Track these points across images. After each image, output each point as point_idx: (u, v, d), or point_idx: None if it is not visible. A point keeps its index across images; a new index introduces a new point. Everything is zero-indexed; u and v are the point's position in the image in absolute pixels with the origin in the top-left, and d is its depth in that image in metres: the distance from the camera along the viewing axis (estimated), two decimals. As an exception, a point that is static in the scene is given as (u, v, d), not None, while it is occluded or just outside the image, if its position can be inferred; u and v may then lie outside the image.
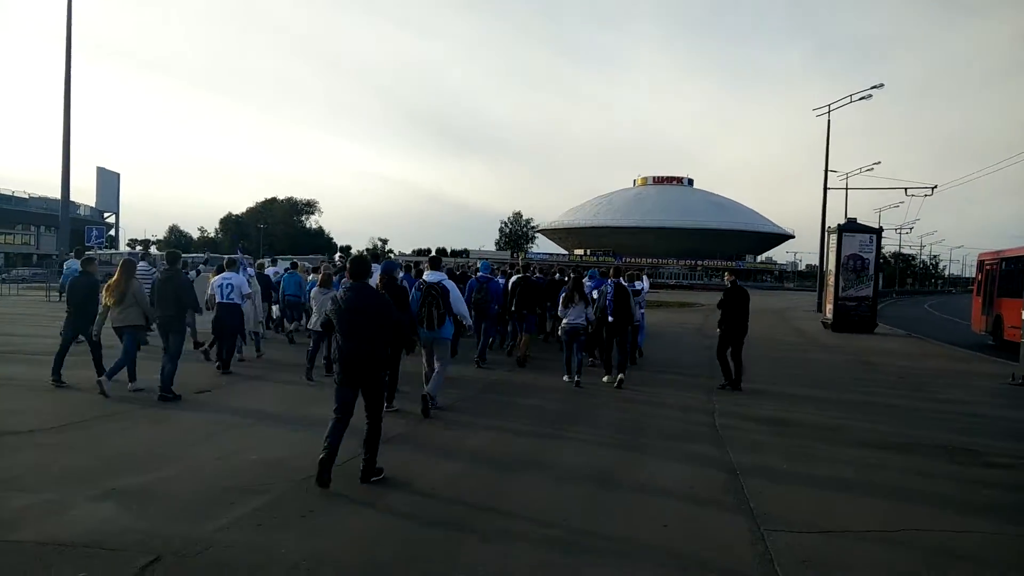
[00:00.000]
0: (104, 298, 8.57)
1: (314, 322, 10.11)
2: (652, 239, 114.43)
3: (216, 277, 10.63)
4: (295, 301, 13.84)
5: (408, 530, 4.50)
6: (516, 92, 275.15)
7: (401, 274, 10.38)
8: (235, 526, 4.37)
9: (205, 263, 16.55)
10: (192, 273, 11.71)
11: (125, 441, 6.34)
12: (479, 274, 12.51)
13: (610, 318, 10.38)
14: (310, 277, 11.68)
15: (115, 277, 8.53)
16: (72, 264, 13.75)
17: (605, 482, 5.61)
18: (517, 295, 12.35)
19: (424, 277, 8.45)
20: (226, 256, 14.07)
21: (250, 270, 12.85)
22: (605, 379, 10.56)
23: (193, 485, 5.15)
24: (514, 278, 12.90)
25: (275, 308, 15.18)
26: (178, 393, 8.23)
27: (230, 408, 7.99)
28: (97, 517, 4.45)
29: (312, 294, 10.76)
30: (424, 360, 8.36)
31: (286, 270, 14.66)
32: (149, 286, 10.05)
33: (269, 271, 15.62)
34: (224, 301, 10.25)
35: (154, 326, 8.70)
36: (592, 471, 5.89)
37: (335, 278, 11.04)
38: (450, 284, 8.31)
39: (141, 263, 12.23)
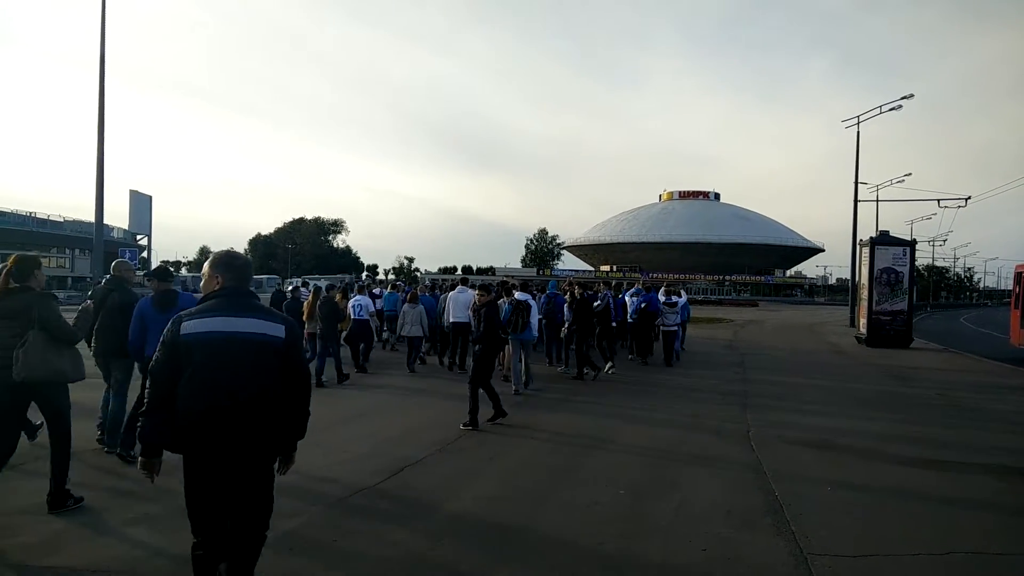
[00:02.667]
0: (305, 312, 12.45)
1: (408, 329, 13.31)
2: (678, 254, 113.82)
3: (352, 300, 13.53)
4: (392, 315, 16.54)
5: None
6: (539, 108, 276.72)
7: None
8: (266, 550, 4.33)
9: (303, 285, 21.09)
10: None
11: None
12: (548, 291, 15.13)
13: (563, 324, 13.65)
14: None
15: (310, 299, 12.54)
16: None
17: (638, 500, 5.53)
18: (577, 311, 14.82)
19: (515, 295, 11.36)
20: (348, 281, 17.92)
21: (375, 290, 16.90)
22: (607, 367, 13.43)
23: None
24: (564, 297, 15.29)
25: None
26: (346, 372, 11.84)
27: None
28: (130, 541, 4.46)
29: (404, 308, 13.61)
30: (510, 354, 11.43)
31: (389, 290, 18.21)
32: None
33: (376, 291, 19.15)
34: (356, 318, 13.23)
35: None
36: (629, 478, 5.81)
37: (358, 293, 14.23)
38: (532, 302, 11.70)
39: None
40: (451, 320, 13.14)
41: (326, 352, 11.82)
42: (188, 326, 3.19)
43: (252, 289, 3.46)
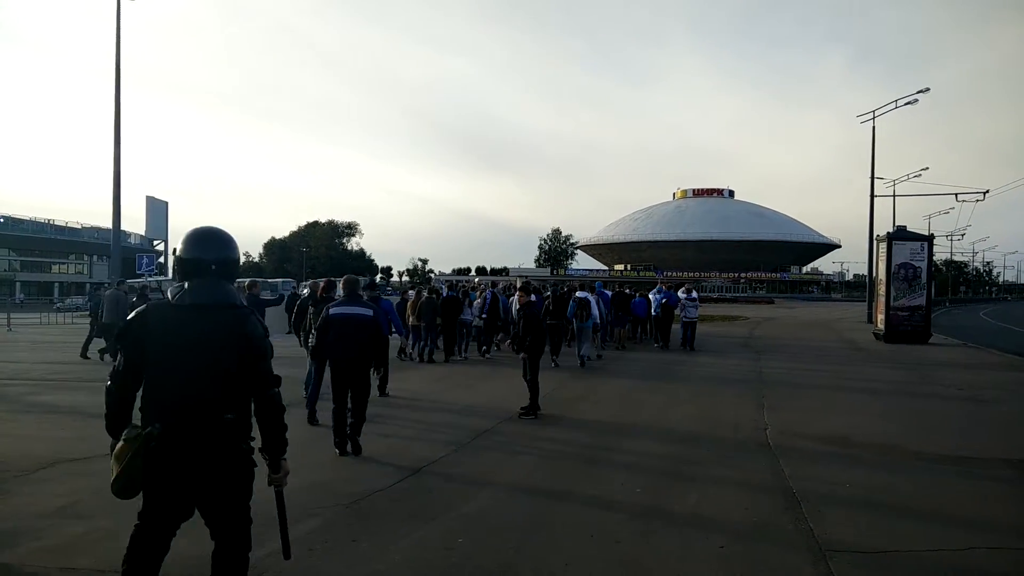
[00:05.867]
0: (409, 309, 15.29)
1: (476, 321, 16.52)
2: (693, 252, 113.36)
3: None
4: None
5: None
6: (552, 108, 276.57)
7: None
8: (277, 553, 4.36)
9: (412, 287, 23.84)
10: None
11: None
12: (596, 290, 17.21)
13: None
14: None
15: (414, 299, 15.53)
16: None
17: (656, 497, 5.51)
18: (615, 303, 18.51)
19: (576, 294, 15.37)
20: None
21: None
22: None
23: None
24: (609, 293, 18.80)
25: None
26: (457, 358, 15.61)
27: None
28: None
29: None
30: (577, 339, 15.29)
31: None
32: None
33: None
34: None
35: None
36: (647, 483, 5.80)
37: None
38: (592, 299, 15.11)
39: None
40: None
41: (429, 339, 15.20)
42: (334, 310, 7.10)
43: (360, 291, 7.55)
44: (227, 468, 2.93)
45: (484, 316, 16.45)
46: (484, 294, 17.09)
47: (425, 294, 15.76)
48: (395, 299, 16.32)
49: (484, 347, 16.63)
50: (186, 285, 2.98)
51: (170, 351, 2.87)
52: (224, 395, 2.90)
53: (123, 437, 2.86)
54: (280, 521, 3.15)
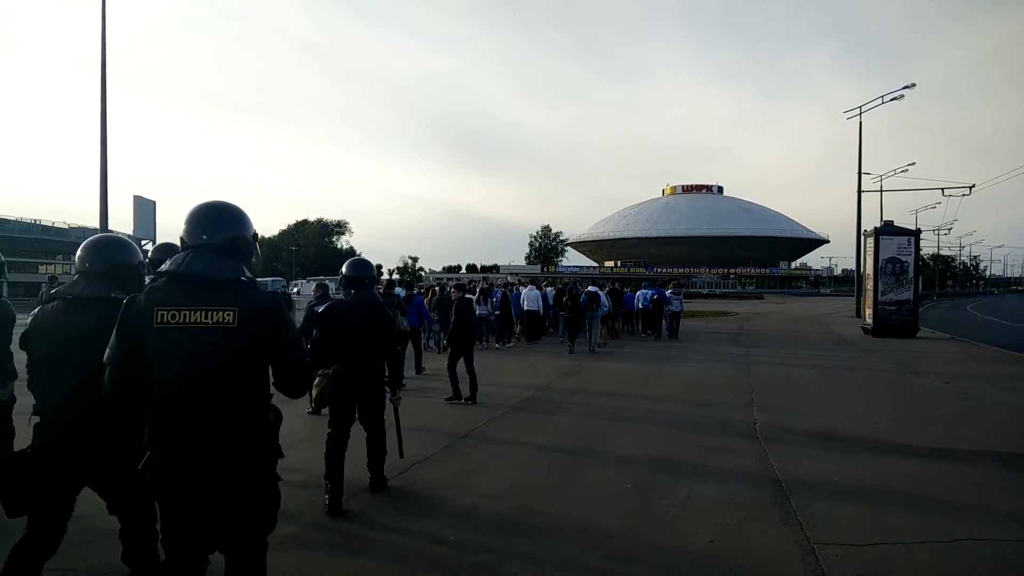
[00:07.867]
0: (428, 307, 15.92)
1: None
2: (683, 249, 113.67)
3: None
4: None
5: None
6: (541, 104, 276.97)
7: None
8: (277, 549, 4.35)
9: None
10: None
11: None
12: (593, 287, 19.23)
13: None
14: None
15: (428, 297, 17.03)
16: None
17: (645, 492, 5.54)
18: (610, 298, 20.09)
19: (588, 289, 17.23)
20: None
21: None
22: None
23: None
24: (606, 289, 20.92)
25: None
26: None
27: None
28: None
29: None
30: (588, 328, 17.02)
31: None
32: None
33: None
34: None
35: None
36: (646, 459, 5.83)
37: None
38: (602, 293, 17.67)
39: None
40: (525, 308, 18.89)
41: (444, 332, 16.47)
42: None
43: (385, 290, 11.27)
44: (375, 392, 5.33)
45: (498, 312, 18.09)
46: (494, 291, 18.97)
47: (438, 292, 17.41)
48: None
49: (499, 339, 18.34)
50: (352, 291, 5.33)
51: (345, 328, 5.17)
52: (372, 350, 5.23)
53: (318, 374, 5.03)
54: (397, 429, 5.66)
